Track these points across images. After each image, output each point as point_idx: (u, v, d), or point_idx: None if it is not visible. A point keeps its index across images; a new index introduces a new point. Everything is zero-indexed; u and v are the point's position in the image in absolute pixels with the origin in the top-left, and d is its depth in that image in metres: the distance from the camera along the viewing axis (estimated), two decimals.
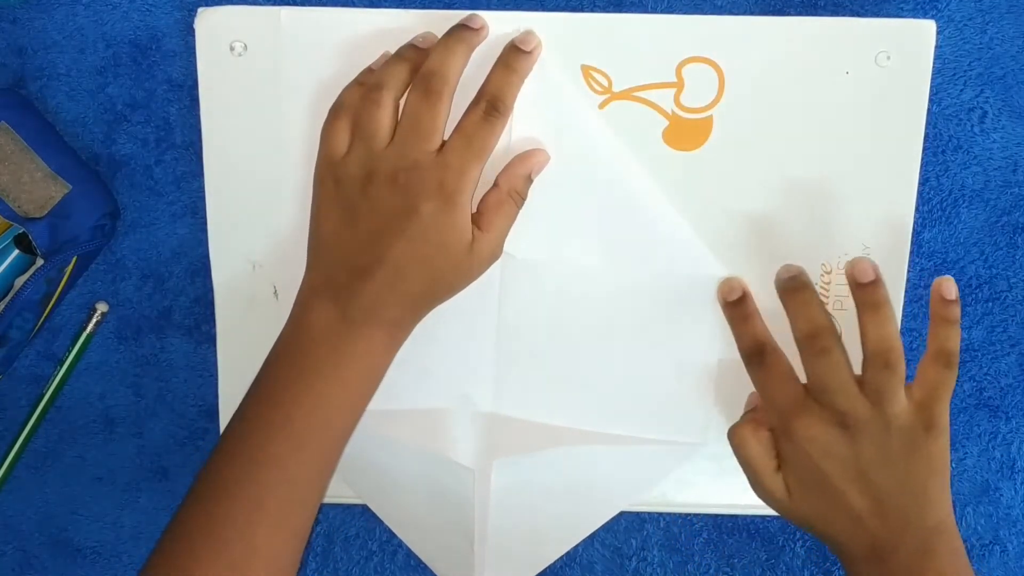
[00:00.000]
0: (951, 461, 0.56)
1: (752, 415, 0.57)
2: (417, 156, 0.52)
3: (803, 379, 0.55)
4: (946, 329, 0.54)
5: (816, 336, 0.53)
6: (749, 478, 0.56)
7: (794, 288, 0.54)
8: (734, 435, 0.56)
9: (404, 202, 0.52)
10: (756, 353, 0.56)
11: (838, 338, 0.53)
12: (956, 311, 0.54)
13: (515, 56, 0.54)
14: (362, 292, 0.52)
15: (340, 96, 0.54)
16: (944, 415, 0.53)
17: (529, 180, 0.56)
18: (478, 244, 0.54)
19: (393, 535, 0.64)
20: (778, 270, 0.56)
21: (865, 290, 0.53)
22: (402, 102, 0.53)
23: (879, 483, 0.53)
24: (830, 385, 0.53)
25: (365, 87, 0.54)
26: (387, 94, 0.53)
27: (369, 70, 0.55)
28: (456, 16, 0.55)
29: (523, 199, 0.56)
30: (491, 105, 0.53)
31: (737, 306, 0.57)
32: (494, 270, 0.57)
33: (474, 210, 0.54)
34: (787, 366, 0.55)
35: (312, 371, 0.52)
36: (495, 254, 0.55)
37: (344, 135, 0.53)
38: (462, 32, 0.54)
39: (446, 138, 0.53)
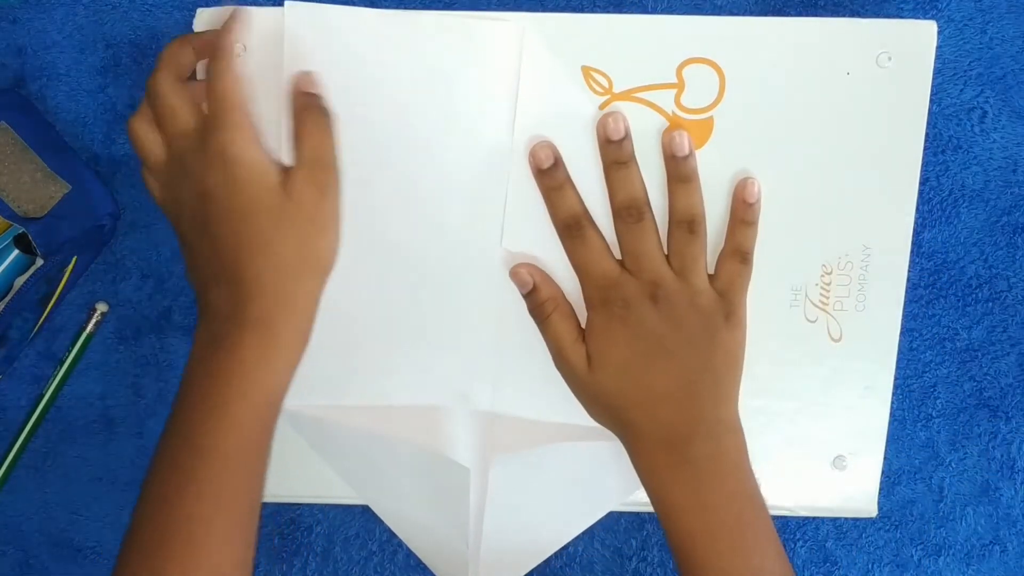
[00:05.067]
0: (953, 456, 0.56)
1: (556, 290, 0.58)
2: (183, 138, 0.51)
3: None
4: (743, 229, 0.57)
5: (632, 205, 0.55)
6: (552, 352, 0.58)
7: (620, 162, 0.56)
8: (535, 312, 0.58)
9: (197, 191, 0.51)
10: (573, 225, 0.56)
11: (651, 211, 0.56)
12: (754, 213, 0.57)
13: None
14: (215, 304, 0.51)
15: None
16: (742, 307, 0.57)
17: (312, 86, 0.54)
18: (292, 182, 0.51)
19: (393, 535, 0.64)
20: (601, 129, 0.56)
21: (678, 163, 0.56)
22: None
23: (682, 364, 0.55)
24: (641, 251, 0.55)
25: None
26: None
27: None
28: (456, 16, 0.55)
29: (320, 103, 0.53)
30: (213, 55, 0.52)
31: (550, 174, 0.56)
32: (493, 268, 0.57)
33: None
34: (603, 240, 0.56)
35: (190, 401, 0.51)
36: (321, 179, 0.52)
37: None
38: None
39: None
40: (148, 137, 0.53)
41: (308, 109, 0.53)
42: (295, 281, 0.52)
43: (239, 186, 0.50)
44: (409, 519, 0.64)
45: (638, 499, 0.62)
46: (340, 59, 0.55)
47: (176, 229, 0.54)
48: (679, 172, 0.56)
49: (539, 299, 0.57)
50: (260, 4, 0.57)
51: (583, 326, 0.57)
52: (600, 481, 0.62)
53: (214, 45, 0.53)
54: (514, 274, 0.58)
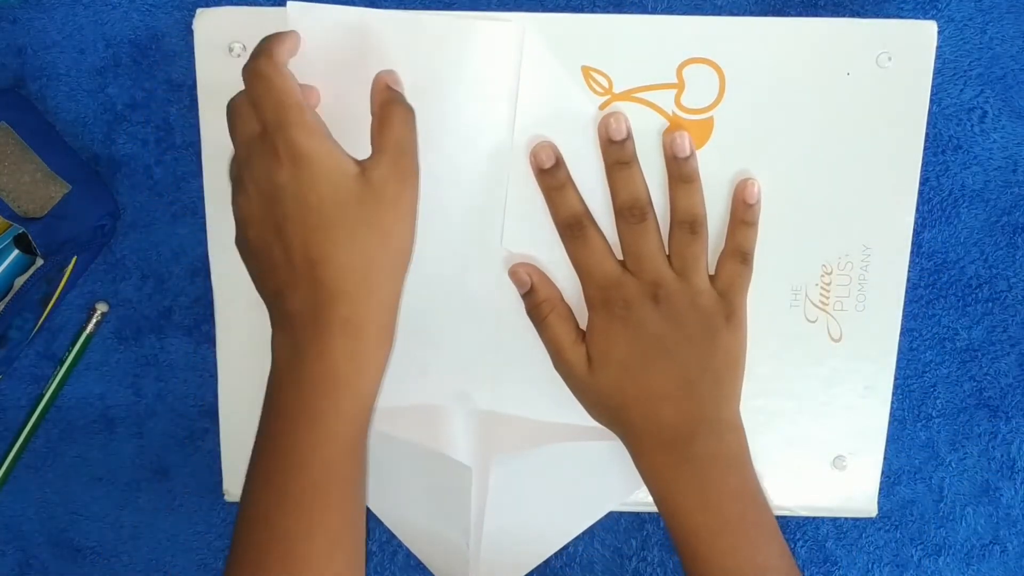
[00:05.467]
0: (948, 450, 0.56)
1: (553, 291, 0.58)
2: (247, 145, 0.50)
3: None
4: (744, 230, 0.57)
5: (634, 205, 0.55)
6: (551, 353, 0.58)
7: (622, 162, 0.56)
8: (533, 313, 0.58)
9: (264, 193, 0.49)
10: (574, 225, 0.56)
11: (654, 211, 0.56)
12: (754, 214, 0.57)
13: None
14: (294, 310, 0.49)
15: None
16: (742, 308, 0.57)
17: (396, 84, 0.53)
18: (374, 172, 0.50)
19: (393, 536, 0.64)
20: (603, 129, 0.56)
21: (679, 163, 0.56)
22: None
23: (683, 364, 0.55)
24: (643, 251, 0.55)
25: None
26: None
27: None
28: (456, 16, 0.55)
29: (402, 98, 0.52)
30: (251, 57, 0.51)
31: (551, 174, 0.56)
32: (494, 268, 0.57)
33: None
34: (604, 240, 0.56)
35: (279, 412, 0.50)
36: (403, 169, 0.51)
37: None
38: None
39: None
40: (233, 160, 0.52)
41: (393, 102, 0.52)
42: (379, 274, 0.50)
43: (315, 180, 0.48)
44: (409, 520, 0.64)
45: (638, 499, 0.62)
46: (341, 59, 0.55)
47: (239, 242, 0.52)
48: (680, 173, 0.56)
49: (536, 300, 0.57)
50: (260, 4, 0.57)
51: (582, 327, 0.57)
52: (600, 481, 0.62)
53: (254, 52, 0.51)
54: (512, 274, 0.58)
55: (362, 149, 0.52)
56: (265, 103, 0.49)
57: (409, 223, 0.51)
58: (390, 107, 0.52)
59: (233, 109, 0.51)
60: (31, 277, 0.57)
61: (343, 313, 0.49)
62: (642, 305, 0.55)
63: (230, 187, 0.53)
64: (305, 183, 0.48)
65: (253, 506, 0.50)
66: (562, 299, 0.58)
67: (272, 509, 0.49)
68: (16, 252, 0.58)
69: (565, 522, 0.64)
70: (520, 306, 0.59)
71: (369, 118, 0.53)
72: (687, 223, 0.56)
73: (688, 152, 0.56)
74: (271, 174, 0.49)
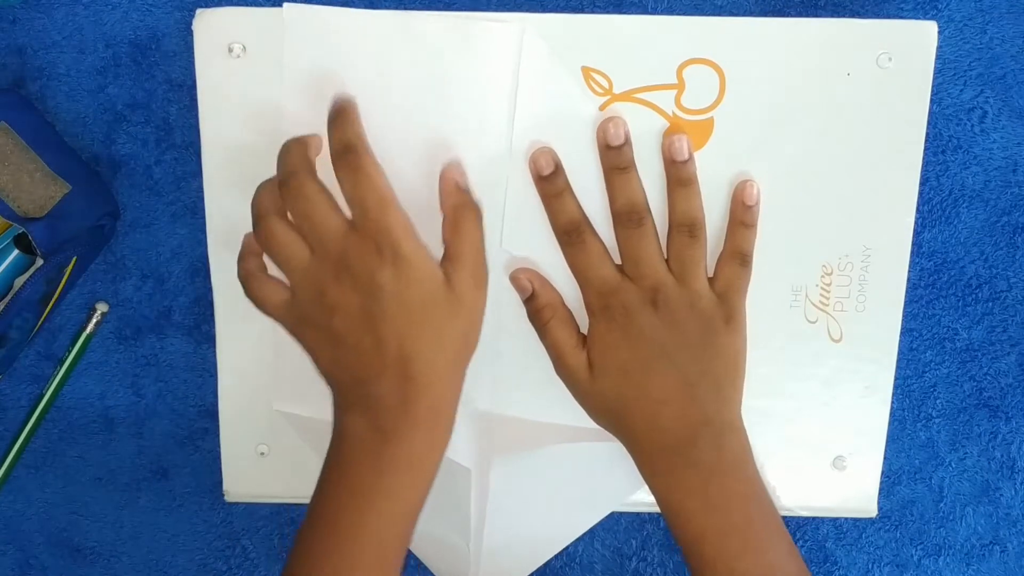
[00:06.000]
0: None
1: (554, 296, 0.58)
2: (340, 239, 0.51)
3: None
4: (743, 231, 0.57)
5: (632, 211, 0.56)
6: (552, 359, 0.58)
7: (620, 167, 0.56)
8: (534, 318, 0.58)
9: (362, 288, 0.51)
10: (572, 232, 0.57)
11: (651, 216, 0.56)
12: (753, 215, 0.57)
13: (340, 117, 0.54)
14: (380, 398, 0.51)
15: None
16: (741, 310, 0.57)
17: (465, 183, 0.55)
18: (456, 277, 0.52)
19: None
20: (601, 134, 0.56)
21: (678, 167, 0.56)
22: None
23: (682, 369, 0.55)
24: (641, 256, 0.56)
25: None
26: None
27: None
28: (455, 17, 0.55)
29: (473, 201, 0.54)
30: (344, 150, 0.52)
31: (550, 181, 0.57)
32: (495, 267, 0.57)
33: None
34: (603, 246, 0.57)
35: (356, 489, 0.51)
36: (479, 275, 0.54)
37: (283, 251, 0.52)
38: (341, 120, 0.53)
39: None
40: (289, 237, 0.52)
41: (465, 207, 0.54)
42: (455, 371, 0.53)
43: (412, 283, 0.51)
44: None
45: (638, 499, 0.62)
46: (339, 61, 0.55)
47: (315, 329, 0.52)
48: (679, 176, 0.56)
49: (537, 305, 0.57)
50: (260, 4, 0.57)
51: (583, 332, 0.57)
52: (601, 482, 0.62)
53: (348, 143, 0.52)
54: (513, 279, 0.58)
55: None
56: (368, 201, 0.51)
57: (480, 324, 0.54)
58: (463, 212, 0.54)
59: (308, 197, 0.51)
60: (31, 277, 0.57)
61: (429, 403, 0.51)
62: (641, 311, 0.55)
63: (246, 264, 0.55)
64: (404, 284, 0.50)
65: (314, 563, 0.52)
66: (563, 304, 0.58)
67: (337, 570, 0.51)
68: (16, 252, 0.58)
69: (566, 523, 0.64)
70: (521, 308, 0.59)
71: (373, 122, 0.54)
72: (685, 227, 0.56)
73: (686, 155, 0.56)
74: (373, 272, 0.50)
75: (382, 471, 0.51)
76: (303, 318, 0.53)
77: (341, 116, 0.53)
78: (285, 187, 0.52)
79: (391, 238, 0.50)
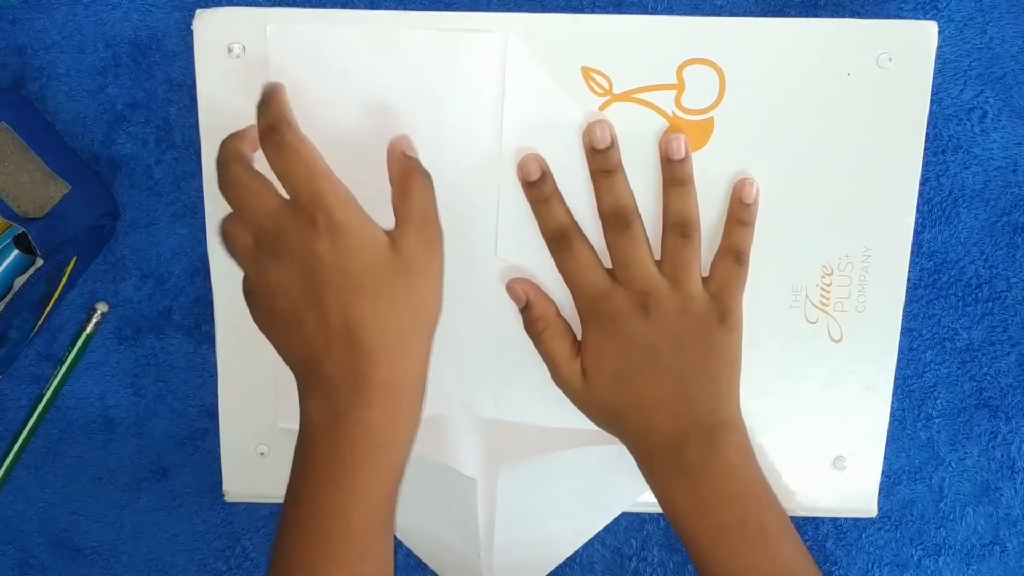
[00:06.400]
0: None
1: (549, 307, 0.58)
2: (274, 216, 0.50)
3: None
4: (740, 229, 0.57)
5: (619, 213, 0.55)
6: (549, 368, 0.58)
7: (606, 170, 0.55)
8: (529, 329, 0.58)
9: (300, 263, 0.50)
10: (560, 238, 0.56)
11: (640, 218, 0.56)
12: (751, 214, 0.57)
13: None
14: (331, 376, 0.50)
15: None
16: (737, 309, 0.56)
17: (411, 150, 0.54)
18: (403, 242, 0.51)
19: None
20: (587, 138, 0.56)
21: (674, 166, 0.56)
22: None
23: (675, 371, 0.55)
24: (631, 260, 0.55)
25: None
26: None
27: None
28: (455, 17, 0.55)
29: (419, 165, 0.53)
30: (268, 131, 0.52)
31: (537, 187, 0.56)
32: (490, 277, 0.57)
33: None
34: (592, 251, 0.56)
35: (319, 474, 0.51)
36: (430, 237, 0.52)
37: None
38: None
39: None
40: (237, 229, 0.52)
41: (412, 171, 0.53)
42: (413, 340, 0.52)
43: (352, 250, 0.50)
44: (420, 531, 0.63)
45: (641, 499, 0.62)
46: (325, 78, 0.55)
47: (265, 313, 0.52)
48: (674, 176, 0.56)
49: (532, 316, 0.57)
50: (260, 5, 0.57)
51: (579, 339, 0.57)
52: (608, 484, 0.62)
53: (270, 122, 0.52)
54: (509, 290, 0.58)
55: (351, 168, 0.52)
56: (296, 175, 0.50)
57: (437, 289, 0.53)
58: (409, 176, 0.53)
59: (241, 183, 0.51)
60: (31, 277, 0.57)
61: (382, 376, 0.50)
62: (631, 317, 0.55)
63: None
64: (343, 253, 0.50)
65: (291, 551, 0.51)
66: (558, 314, 0.58)
67: (312, 555, 0.50)
68: (16, 252, 0.58)
69: (575, 528, 0.64)
70: (519, 313, 0.59)
71: (361, 139, 0.54)
72: (679, 226, 0.56)
73: (683, 154, 0.56)
74: (309, 244, 0.50)
75: (342, 452, 0.50)
76: (255, 306, 0.53)
77: (265, 100, 0.53)
78: (220, 181, 0.52)
79: (323, 206, 0.49)
